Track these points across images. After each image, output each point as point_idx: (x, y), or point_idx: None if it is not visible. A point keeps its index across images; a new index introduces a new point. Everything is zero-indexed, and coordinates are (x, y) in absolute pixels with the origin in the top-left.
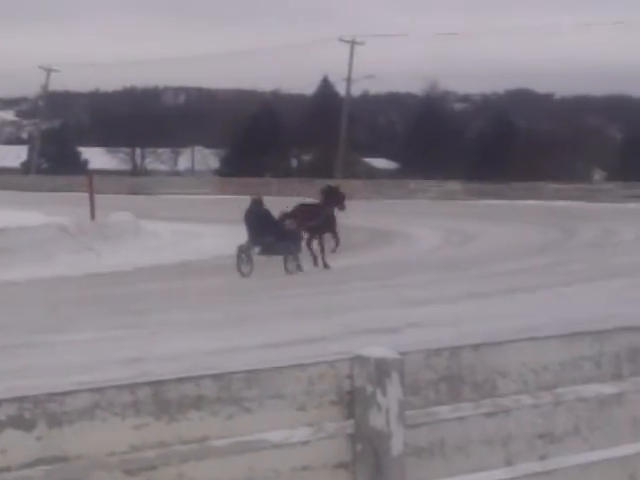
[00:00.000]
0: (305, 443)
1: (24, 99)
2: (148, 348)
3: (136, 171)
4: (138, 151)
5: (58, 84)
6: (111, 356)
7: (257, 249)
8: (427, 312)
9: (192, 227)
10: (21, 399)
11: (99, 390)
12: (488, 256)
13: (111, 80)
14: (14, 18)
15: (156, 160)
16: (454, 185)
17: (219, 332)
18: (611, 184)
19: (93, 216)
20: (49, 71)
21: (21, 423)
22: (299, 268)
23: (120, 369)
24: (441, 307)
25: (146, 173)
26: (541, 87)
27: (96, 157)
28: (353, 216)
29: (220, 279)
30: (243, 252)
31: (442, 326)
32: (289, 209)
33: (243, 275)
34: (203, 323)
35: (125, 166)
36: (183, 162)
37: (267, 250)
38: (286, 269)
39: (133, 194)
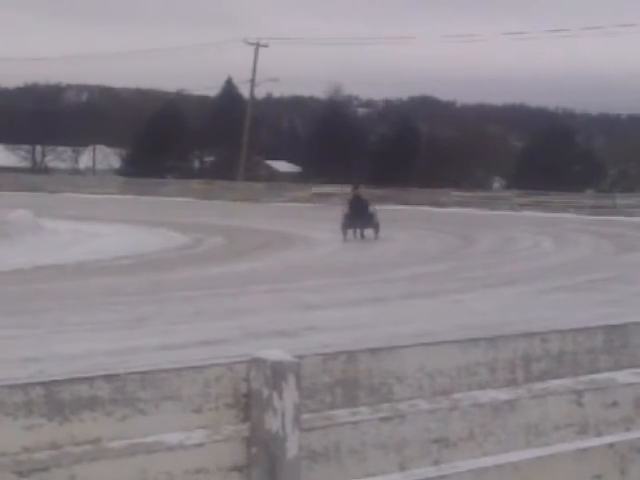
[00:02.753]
0: (200, 446)
1: None
2: (44, 348)
3: (36, 169)
4: (38, 148)
5: None
6: (6, 355)
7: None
8: (326, 316)
9: (92, 226)
10: None
11: None
12: (388, 261)
13: (12, 76)
14: None
15: (57, 158)
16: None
17: (116, 332)
18: (509, 192)
19: None
20: None
21: None
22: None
23: (15, 369)
24: (340, 311)
25: (46, 171)
26: (443, 94)
27: None
28: (253, 219)
29: (118, 279)
30: (348, 228)
31: (340, 330)
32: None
33: (348, 241)
34: (100, 323)
35: (25, 163)
36: (84, 161)
37: (363, 226)
38: (375, 237)
39: (33, 192)
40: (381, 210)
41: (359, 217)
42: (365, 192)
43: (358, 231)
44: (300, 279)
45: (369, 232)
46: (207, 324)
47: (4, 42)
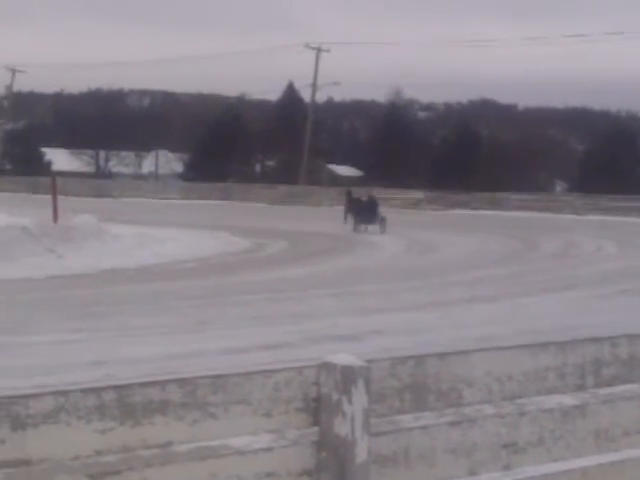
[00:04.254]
0: (269, 450)
1: None
2: (110, 351)
3: (100, 174)
4: (102, 154)
5: (23, 85)
6: (73, 359)
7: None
8: (387, 320)
9: (155, 231)
10: None
11: (64, 393)
12: (449, 265)
13: (76, 81)
14: None
15: (120, 163)
16: (417, 194)
17: (180, 336)
18: (572, 196)
19: (56, 218)
20: (14, 71)
21: None
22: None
23: (82, 372)
24: (402, 315)
25: (109, 176)
26: (504, 97)
27: (60, 159)
28: (315, 223)
29: (181, 283)
30: (355, 223)
31: (403, 334)
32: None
33: (359, 233)
34: (164, 327)
35: (89, 168)
36: (147, 165)
37: (371, 222)
38: (381, 231)
39: (96, 197)
40: (440, 214)
41: (370, 214)
42: (377, 195)
43: (366, 226)
44: (361, 283)
45: (375, 228)
46: (269, 328)
47: (68, 48)
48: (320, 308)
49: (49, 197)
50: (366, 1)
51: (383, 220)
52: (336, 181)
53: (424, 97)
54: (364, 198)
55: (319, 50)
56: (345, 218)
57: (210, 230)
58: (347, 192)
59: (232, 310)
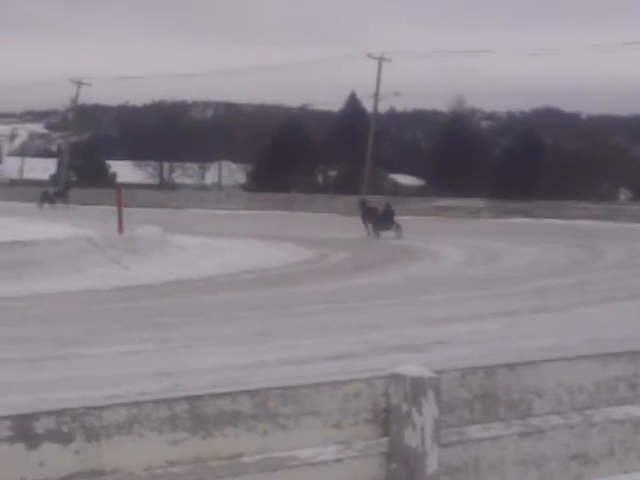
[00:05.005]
0: (339, 461)
1: (54, 112)
2: (176, 362)
3: (163, 185)
4: (166, 165)
5: (88, 97)
6: (140, 369)
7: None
8: (453, 330)
9: (218, 242)
10: (59, 412)
11: (137, 404)
12: (513, 274)
13: (140, 94)
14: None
15: (183, 174)
16: (479, 203)
17: (245, 346)
18: (636, 204)
19: (121, 229)
20: (79, 84)
21: (59, 436)
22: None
23: (150, 383)
24: (467, 325)
25: (173, 187)
26: (567, 106)
27: (124, 170)
28: None
29: (245, 293)
30: (375, 230)
31: (468, 344)
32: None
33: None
34: (230, 337)
35: (153, 180)
36: (210, 176)
37: (387, 228)
38: (397, 237)
39: (160, 208)
40: (502, 223)
41: (387, 222)
42: (393, 204)
43: (381, 232)
44: (425, 293)
45: (390, 233)
46: (333, 338)
47: (132, 61)
48: (384, 318)
49: (114, 209)
50: (429, 11)
51: (399, 227)
52: (398, 191)
53: (487, 106)
54: (381, 207)
55: (381, 60)
56: (365, 226)
57: (273, 240)
58: (361, 202)
59: (296, 321)
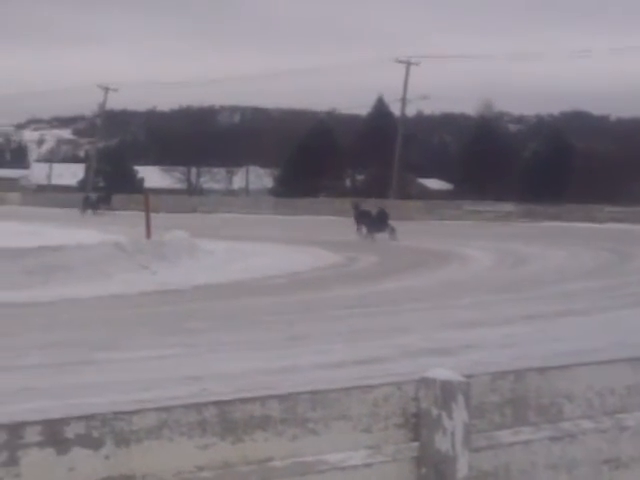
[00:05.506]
0: (369, 465)
1: (81, 118)
2: (205, 366)
3: (191, 190)
4: (193, 170)
5: (116, 103)
6: (169, 374)
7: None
8: (482, 334)
9: (246, 246)
10: (89, 417)
11: (166, 409)
12: (542, 278)
13: (167, 99)
14: (73, 39)
15: (211, 179)
16: (508, 206)
17: (274, 351)
18: None
19: (149, 235)
20: (107, 90)
21: (89, 441)
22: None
23: (178, 387)
24: (496, 329)
25: (201, 192)
26: (596, 109)
27: (152, 176)
28: (406, 237)
29: (273, 298)
30: (369, 232)
31: (498, 348)
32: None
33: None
34: (258, 342)
35: (180, 185)
36: (238, 181)
37: (381, 230)
38: (391, 239)
39: (188, 213)
40: (532, 227)
41: (381, 224)
42: (387, 207)
43: (376, 234)
44: (454, 296)
45: (384, 235)
46: (363, 343)
47: (159, 66)
48: (413, 322)
49: (142, 214)
50: (456, 14)
51: (393, 230)
52: (426, 195)
53: (515, 109)
54: (374, 210)
55: (408, 64)
56: (357, 228)
57: (301, 245)
58: (355, 205)
59: (325, 325)
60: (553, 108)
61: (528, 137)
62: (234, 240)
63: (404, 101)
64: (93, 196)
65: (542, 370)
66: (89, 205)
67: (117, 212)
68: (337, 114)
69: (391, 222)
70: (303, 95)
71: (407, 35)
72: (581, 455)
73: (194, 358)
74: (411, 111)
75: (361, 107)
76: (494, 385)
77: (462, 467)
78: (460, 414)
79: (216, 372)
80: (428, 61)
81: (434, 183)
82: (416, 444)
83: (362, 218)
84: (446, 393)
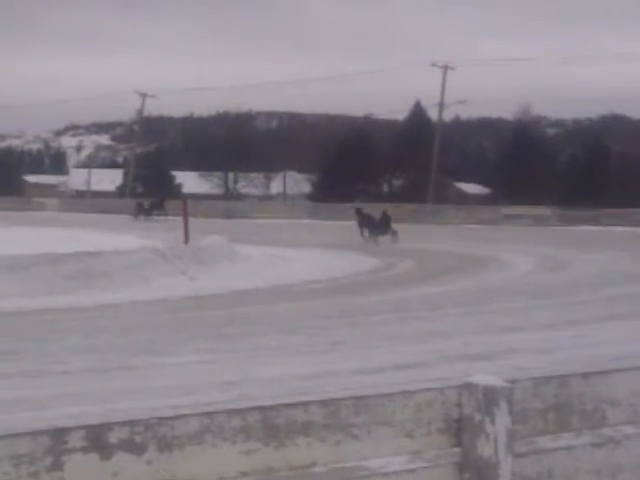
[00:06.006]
0: (412, 471)
1: (119, 124)
2: (243, 372)
3: (228, 195)
4: (231, 175)
5: (153, 109)
6: (207, 379)
7: (380, 233)
8: (521, 339)
9: (284, 251)
10: (132, 423)
11: (209, 415)
12: (581, 283)
13: (205, 105)
14: (110, 46)
15: (249, 184)
16: (546, 211)
17: (313, 356)
18: None
19: (187, 240)
20: (144, 96)
21: (132, 447)
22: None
23: (217, 392)
24: (535, 334)
25: (238, 197)
26: (635, 113)
27: (189, 181)
28: (444, 242)
29: (312, 303)
30: (371, 235)
31: (537, 353)
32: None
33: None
34: (296, 347)
35: (218, 190)
36: (275, 186)
37: (384, 234)
38: (393, 242)
39: (226, 218)
40: (570, 230)
41: (384, 228)
42: (390, 212)
43: (380, 237)
44: (493, 301)
45: (387, 238)
46: (402, 348)
47: (196, 72)
48: (452, 327)
49: (180, 219)
50: (492, 19)
51: (395, 233)
52: (464, 199)
53: (552, 113)
54: (377, 214)
55: (446, 68)
56: (361, 232)
57: (339, 250)
58: (357, 210)
59: (364, 330)
60: (591, 112)
61: (566, 141)
62: (272, 245)
63: (441, 106)
64: (146, 202)
65: (585, 375)
66: (142, 211)
67: (170, 218)
68: (374, 119)
69: (393, 225)
70: (340, 100)
71: (444, 39)
72: (625, 461)
73: (232, 363)
74: (448, 116)
75: (398, 112)
76: (537, 390)
77: (505, 473)
78: (503, 420)
79: (254, 377)
80: (465, 65)
81: (471, 187)
82: (458, 450)
83: (365, 222)
84: (489, 399)
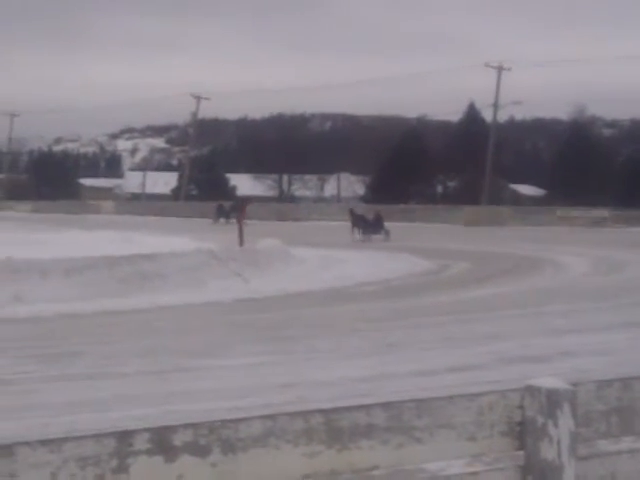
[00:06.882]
0: (474, 474)
1: (174, 126)
2: (300, 374)
3: (283, 197)
4: (285, 177)
5: (207, 111)
6: (264, 381)
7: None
8: (578, 341)
9: (338, 253)
10: (196, 425)
11: (272, 417)
12: (639, 284)
13: (258, 107)
14: (164, 49)
15: (303, 187)
16: (602, 212)
17: (369, 358)
18: None
19: (242, 242)
20: (199, 99)
21: (197, 449)
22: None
23: (274, 395)
24: (592, 336)
25: (293, 199)
26: None
27: (244, 183)
28: (498, 243)
29: (366, 305)
30: (364, 235)
31: (595, 355)
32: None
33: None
34: (352, 349)
35: (272, 192)
36: (329, 188)
37: (376, 233)
38: (385, 241)
39: (280, 221)
40: (626, 232)
41: (376, 227)
42: (383, 212)
43: (372, 236)
44: (549, 303)
45: (379, 237)
46: (457, 350)
47: (250, 75)
48: (508, 329)
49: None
50: (546, 18)
51: (387, 232)
52: (519, 200)
53: (608, 114)
54: (370, 215)
55: (500, 69)
56: (352, 232)
57: (392, 252)
58: (350, 210)
59: (419, 332)
60: None
61: (622, 142)
62: (326, 247)
63: (496, 106)
64: (226, 205)
65: None
66: (222, 214)
67: (251, 221)
68: (427, 120)
69: (386, 225)
70: (393, 102)
71: (498, 40)
72: None
73: (289, 365)
74: (503, 116)
75: (452, 113)
76: (600, 393)
77: (568, 476)
78: (566, 422)
79: (311, 379)
80: (519, 66)
81: (526, 189)
82: (521, 453)
83: (358, 222)
84: (552, 401)
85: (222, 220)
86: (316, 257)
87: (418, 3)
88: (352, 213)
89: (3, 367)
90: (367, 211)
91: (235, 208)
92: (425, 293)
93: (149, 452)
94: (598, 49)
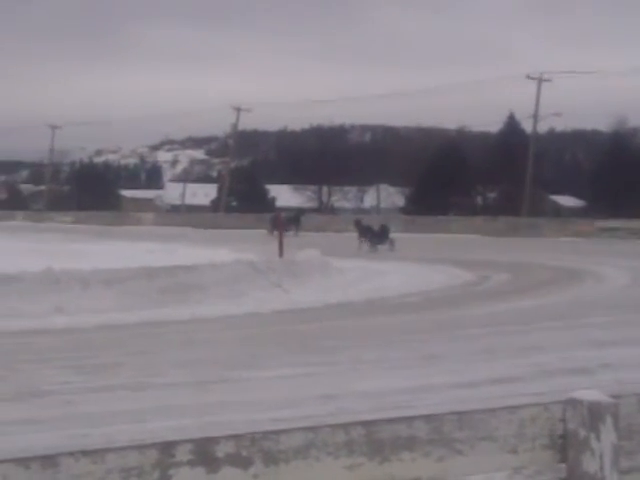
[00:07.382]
0: None
1: (214, 138)
2: (340, 385)
3: (322, 208)
4: (325, 188)
5: (247, 123)
6: (305, 392)
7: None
8: (620, 353)
9: (377, 265)
10: (238, 437)
11: (313, 429)
12: None
13: (298, 119)
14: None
15: (343, 198)
16: None
17: (409, 370)
18: None
19: (281, 253)
20: (239, 110)
21: (238, 460)
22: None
23: (314, 406)
24: (634, 348)
25: (332, 210)
26: None
27: (283, 194)
28: (538, 255)
29: (407, 316)
30: (371, 244)
31: (636, 367)
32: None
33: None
34: (393, 361)
35: (312, 204)
36: (369, 200)
37: (382, 243)
38: (390, 250)
39: (320, 232)
40: None
41: (382, 238)
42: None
43: (378, 246)
44: (590, 315)
45: (385, 247)
46: (498, 362)
47: (290, 87)
48: (549, 341)
49: (310, 234)
50: (586, 30)
51: (392, 242)
52: (559, 212)
53: None
54: (376, 225)
55: (540, 80)
56: (359, 243)
57: (432, 263)
58: (356, 222)
59: (460, 344)
60: None
61: None
62: (366, 259)
63: (536, 118)
64: (283, 216)
65: None
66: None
67: (308, 233)
68: (467, 131)
69: (392, 236)
70: (432, 113)
71: (538, 51)
72: None
73: (329, 376)
74: (543, 128)
75: (491, 124)
76: None
77: None
78: (608, 435)
79: (351, 390)
80: (560, 77)
81: (566, 200)
82: (563, 466)
83: (365, 232)
84: (594, 414)
85: (276, 232)
86: (356, 268)
87: (457, 14)
88: (358, 224)
89: (45, 378)
90: (373, 222)
91: (291, 220)
92: (465, 304)
93: (191, 463)
94: (638, 60)
